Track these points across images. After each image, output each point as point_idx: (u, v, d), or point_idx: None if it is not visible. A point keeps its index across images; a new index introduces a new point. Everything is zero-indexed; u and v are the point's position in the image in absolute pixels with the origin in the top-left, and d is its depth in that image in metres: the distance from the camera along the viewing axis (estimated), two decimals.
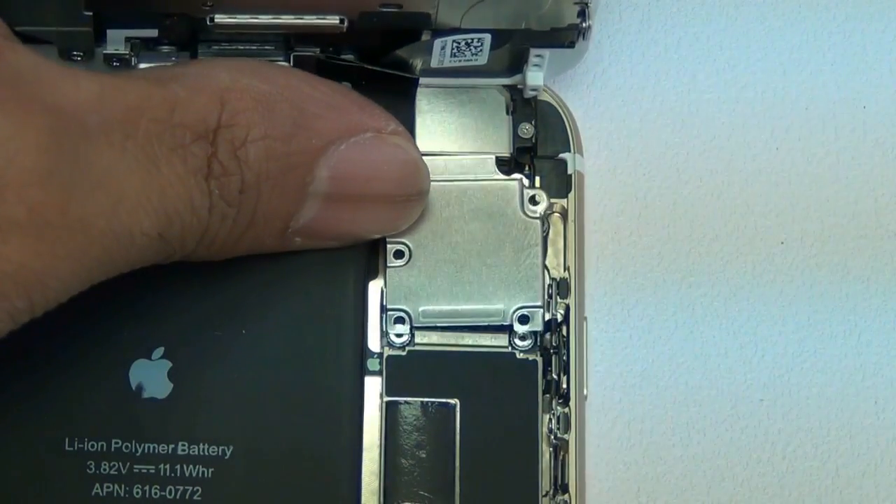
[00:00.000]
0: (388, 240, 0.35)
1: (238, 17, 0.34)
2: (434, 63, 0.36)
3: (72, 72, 0.30)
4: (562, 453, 0.35)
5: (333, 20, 0.34)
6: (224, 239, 0.32)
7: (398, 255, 0.36)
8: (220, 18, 0.34)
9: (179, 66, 0.34)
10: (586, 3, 0.35)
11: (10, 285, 0.28)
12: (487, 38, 0.35)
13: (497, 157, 0.37)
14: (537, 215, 0.36)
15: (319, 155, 0.33)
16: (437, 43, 0.35)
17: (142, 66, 0.35)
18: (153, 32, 0.35)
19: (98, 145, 0.29)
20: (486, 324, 0.35)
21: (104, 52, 0.35)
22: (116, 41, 0.35)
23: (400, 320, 0.35)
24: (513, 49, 0.36)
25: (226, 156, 0.31)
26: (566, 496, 0.35)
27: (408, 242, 0.36)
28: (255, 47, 0.35)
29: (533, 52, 0.36)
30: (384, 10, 0.34)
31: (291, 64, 0.35)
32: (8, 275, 0.28)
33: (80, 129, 0.29)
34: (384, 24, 0.34)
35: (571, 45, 0.36)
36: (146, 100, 0.30)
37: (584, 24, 0.35)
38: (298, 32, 0.35)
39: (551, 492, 0.35)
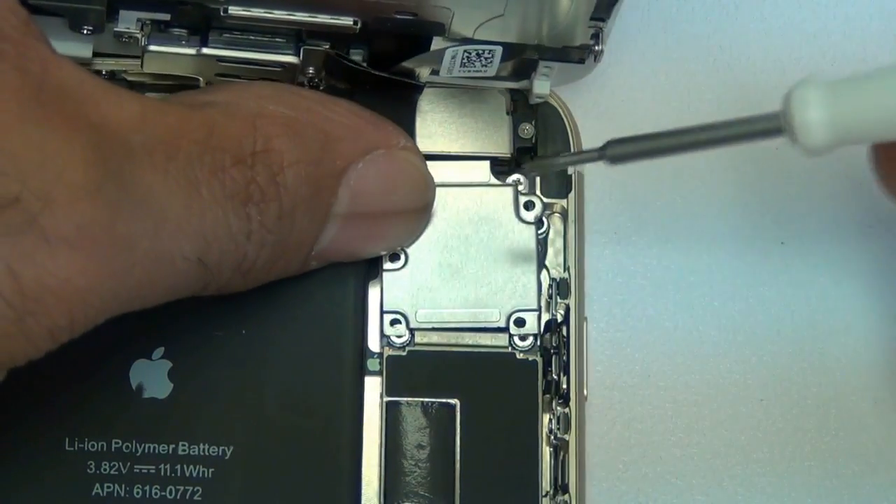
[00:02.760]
0: None
1: (252, 9, 0.34)
2: (443, 73, 0.36)
3: (115, 90, 0.29)
4: (562, 453, 0.35)
5: (347, 21, 0.34)
6: (261, 266, 0.32)
7: (394, 257, 0.36)
8: (235, 10, 0.34)
9: (208, 92, 0.34)
10: (601, 28, 0.35)
11: (54, 301, 0.27)
12: (499, 50, 0.35)
13: (497, 158, 0.37)
14: (532, 220, 0.36)
15: (342, 177, 0.33)
16: (448, 52, 0.35)
17: (151, 47, 0.35)
18: (166, 16, 0.35)
19: (141, 165, 0.29)
20: (482, 327, 0.35)
21: (115, 29, 0.35)
22: (128, 20, 0.35)
23: (396, 322, 0.35)
24: (522, 63, 0.36)
25: (265, 181, 0.31)
26: (566, 496, 0.35)
27: (403, 245, 0.36)
28: (265, 38, 0.35)
29: (542, 63, 0.36)
30: (399, 16, 0.34)
31: (301, 57, 0.35)
32: (52, 290, 0.27)
33: (123, 147, 0.29)
34: (397, 30, 0.34)
35: (581, 61, 0.36)
36: (186, 121, 0.30)
37: (596, 48, 0.35)
38: (311, 30, 0.35)
39: (551, 492, 0.35)
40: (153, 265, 0.29)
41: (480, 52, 0.35)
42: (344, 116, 0.33)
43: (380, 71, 0.35)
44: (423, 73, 0.36)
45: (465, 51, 0.35)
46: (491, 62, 0.35)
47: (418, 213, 0.35)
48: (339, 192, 0.33)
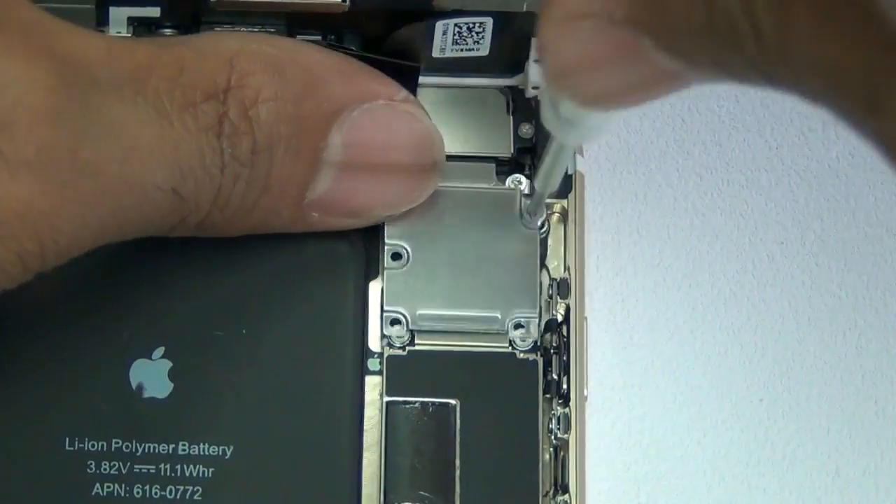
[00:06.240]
0: (386, 240, 0.35)
1: None
2: (436, 52, 0.36)
3: (81, 28, 0.30)
4: (562, 453, 0.35)
5: None
6: (239, 203, 0.32)
7: (396, 256, 0.35)
8: None
9: (186, 36, 0.34)
10: None
11: (19, 225, 0.28)
12: (489, 21, 0.35)
13: (498, 158, 0.37)
14: (536, 225, 0.36)
15: (332, 121, 0.33)
16: (439, 26, 0.35)
17: None
18: (155, 11, 0.35)
19: (108, 97, 0.29)
20: (482, 330, 0.35)
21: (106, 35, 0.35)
22: (118, 21, 0.35)
23: (396, 322, 0.35)
24: (514, 39, 0.36)
25: (237, 115, 0.31)
26: (566, 496, 0.35)
27: (406, 245, 0.36)
28: (256, 30, 0.35)
29: (535, 40, 0.36)
30: None
31: None
32: (17, 213, 0.28)
33: (89, 79, 0.29)
34: (385, 4, 0.34)
35: None
36: (155, 59, 0.30)
37: None
38: (300, 12, 0.35)
39: (551, 492, 0.35)
40: (124, 193, 0.29)
41: (471, 25, 0.35)
42: (335, 61, 0.33)
43: (374, 53, 0.35)
44: (418, 53, 0.36)
45: (455, 24, 0.35)
46: (483, 37, 0.35)
47: (424, 171, 0.34)
48: (331, 139, 0.33)
